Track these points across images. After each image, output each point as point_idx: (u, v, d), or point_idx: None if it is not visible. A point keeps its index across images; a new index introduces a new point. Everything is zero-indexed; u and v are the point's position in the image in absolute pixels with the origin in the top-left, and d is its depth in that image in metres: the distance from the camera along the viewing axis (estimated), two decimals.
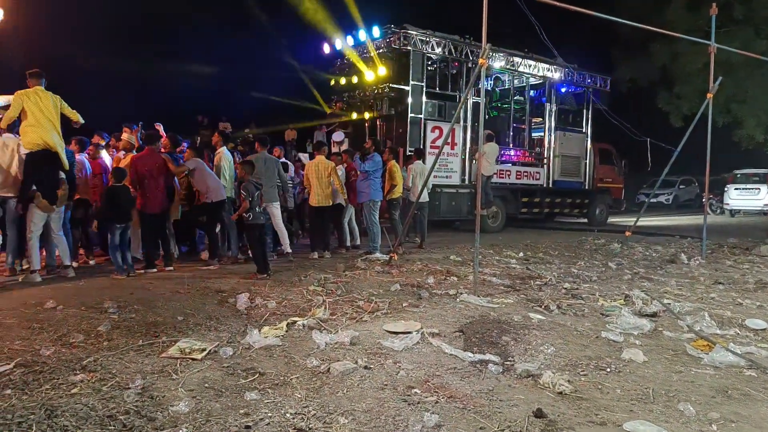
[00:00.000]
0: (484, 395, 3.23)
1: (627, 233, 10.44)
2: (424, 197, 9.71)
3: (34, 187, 6.13)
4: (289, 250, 8.07)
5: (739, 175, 21.01)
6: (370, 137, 9.20)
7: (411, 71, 11.88)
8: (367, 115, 13.10)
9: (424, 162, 10.41)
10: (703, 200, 10.88)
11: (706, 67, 9.69)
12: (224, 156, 8.04)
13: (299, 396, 3.15)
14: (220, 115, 16.98)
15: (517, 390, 3.33)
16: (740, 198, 20.64)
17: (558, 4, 6.96)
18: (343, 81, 13.52)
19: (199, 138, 12.77)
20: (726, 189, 21.03)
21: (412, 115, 11.92)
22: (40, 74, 6.20)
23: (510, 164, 13.99)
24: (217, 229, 7.82)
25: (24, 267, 6.60)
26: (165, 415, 2.85)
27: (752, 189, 20.29)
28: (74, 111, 6.43)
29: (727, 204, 21.07)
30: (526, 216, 14.77)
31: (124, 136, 7.95)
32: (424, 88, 12.09)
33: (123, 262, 6.52)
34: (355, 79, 13.23)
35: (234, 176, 7.98)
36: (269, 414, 2.91)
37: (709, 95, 9.16)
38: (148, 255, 7.08)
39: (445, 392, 3.24)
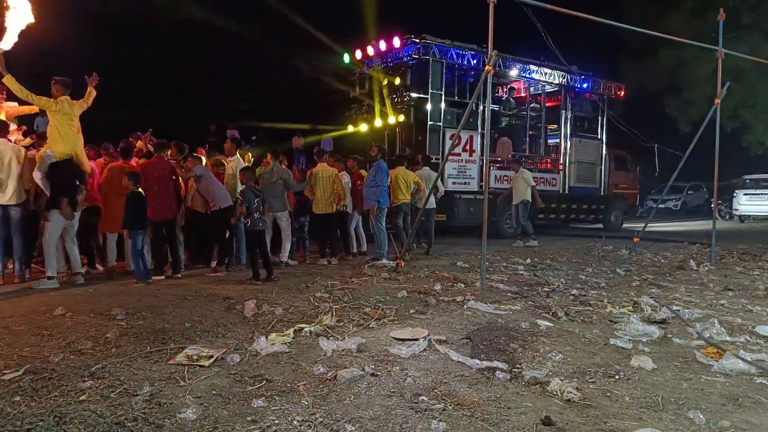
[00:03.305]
0: (491, 403, 3.21)
1: (635, 239, 10.39)
2: (431, 204, 9.72)
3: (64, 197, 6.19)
4: (285, 260, 8.14)
5: (748, 181, 20.89)
6: (375, 144, 9.21)
7: (430, 80, 12.08)
8: (386, 123, 13.32)
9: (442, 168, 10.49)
10: (712, 206, 10.81)
11: (714, 73, 9.65)
12: (240, 163, 8.10)
13: (306, 403, 3.15)
14: (227, 122, 17.08)
15: (525, 397, 3.32)
16: (750, 203, 20.51)
17: (565, 11, 6.96)
18: (363, 89, 13.75)
19: (207, 146, 12.86)
20: (735, 194, 20.91)
21: (432, 122, 12.10)
22: (66, 83, 6.28)
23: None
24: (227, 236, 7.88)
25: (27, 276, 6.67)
26: (173, 422, 2.86)
27: (762, 194, 20.15)
28: (84, 101, 6.48)
29: (737, 209, 20.93)
30: (543, 222, 14.84)
31: (139, 143, 8.06)
32: (443, 97, 12.25)
33: (143, 268, 6.59)
34: (374, 88, 13.42)
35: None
36: (276, 421, 2.91)
37: (717, 101, 9.12)
38: (156, 262, 7.14)
39: (452, 400, 3.22)
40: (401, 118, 12.72)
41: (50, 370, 3.51)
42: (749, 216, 21.01)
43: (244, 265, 7.82)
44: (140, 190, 6.63)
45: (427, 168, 10.44)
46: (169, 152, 7.53)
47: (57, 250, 6.59)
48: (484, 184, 6.64)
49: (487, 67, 6.39)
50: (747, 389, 3.54)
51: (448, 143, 12.13)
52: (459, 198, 12.36)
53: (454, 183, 12.24)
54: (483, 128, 12.75)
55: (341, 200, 8.66)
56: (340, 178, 8.70)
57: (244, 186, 7.06)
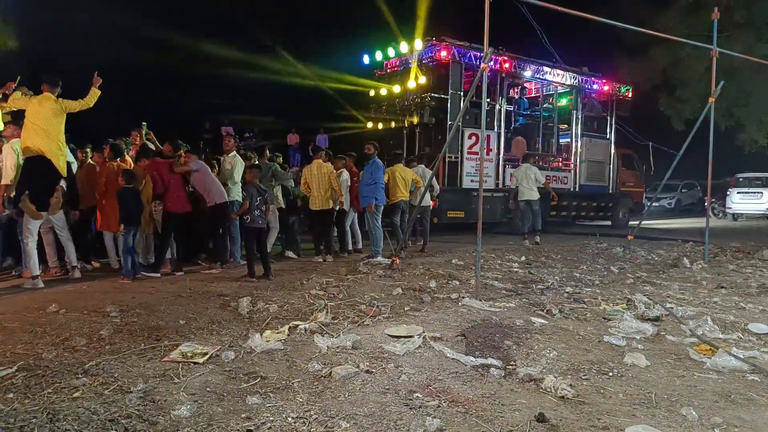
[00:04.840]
0: (486, 399, 3.22)
1: (629, 237, 10.43)
2: (426, 201, 9.74)
3: (27, 192, 6.05)
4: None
5: (741, 179, 21.00)
6: (370, 141, 9.20)
7: (450, 81, 12.47)
8: (406, 123, 13.73)
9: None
10: (706, 204, 10.86)
11: (708, 71, 9.69)
12: (238, 160, 8.10)
13: (301, 400, 3.15)
14: (222, 119, 17.06)
15: (519, 394, 3.33)
16: (743, 202, 20.64)
17: (560, 9, 6.97)
18: (383, 91, 14.09)
19: (202, 142, 12.88)
20: (728, 193, 21.02)
21: (451, 122, 12.38)
22: (53, 82, 6.18)
23: (541, 170, 14.52)
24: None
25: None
26: (167, 419, 2.85)
27: (755, 192, 20.29)
28: (80, 100, 6.33)
29: (730, 207, 21.05)
30: (555, 219, 15.24)
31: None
32: (462, 97, 12.52)
33: (132, 266, 6.57)
34: (395, 89, 13.80)
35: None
36: (271, 418, 2.91)
37: (711, 99, 9.14)
38: (156, 258, 7.16)
39: (447, 396, 3.23)
40: (421, 118, 13.14)
41: (44, 367, 3.50)
42: (742, 214, 21.13)
43: (239, 262, 7.81)
44: (131, 186, 6.61)
45: (422, 166, 10.52)
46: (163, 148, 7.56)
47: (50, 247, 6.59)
48: (479, 181, 6.64)
49: (482, 65, 6.40)
50: (739, 386, 3.56)
51: (467, 142, 12.62)
52: (476, 195, 12.49)
53: (472, 181, 12.62)
54: (499, 127, 13.48)
55: (339, 197, 8.65)
56: (335, 175, 8.67)
57: (248, 183, 7.09)
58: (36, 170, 6.09)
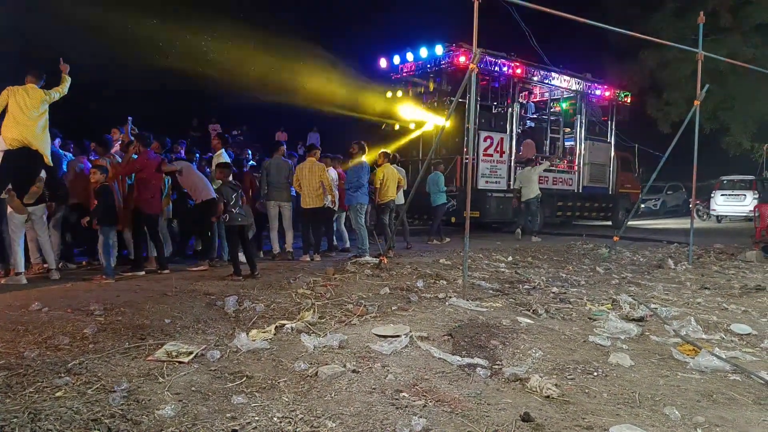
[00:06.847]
0: (472, 399, 3.23)
1: (615, 238, 10.51)
2: (400, 199, 9.88)
3: (9, 186, 6.00)
4: (290, 249, 8.68)
5: (725, 182, 21.30)
6: (355, 141, 9.17)
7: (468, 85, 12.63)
8: (422, 126, 14.04)
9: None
10: (690, 206, 10.99)
11: (694, 74, 9.76)
12: (224, 158, 8.04)
13: (287, 400, 3.14)
14: (210, 117, 16.95)
15: (504, 394, 3.34)
16: (726, 204, 20.96)
17: (548, 10, 7.00)
18: (399, 94, 14.36)
19: (189, 140, 12.81)
20: (712, 195, 21.33)
21: (468, 125, 12.44)
22: (38, 74, 6.18)
23: (547, 171, 15.02)
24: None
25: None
26: (151, 419, 2.83)
27: (738, 195, 20.60)
28: (57, 89, 6.31)
29: (714, 210, 21.36)
30: (560, 219, 15.70)
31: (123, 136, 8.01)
32: (479, 101, 12.87)
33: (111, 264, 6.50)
34: (410, 93, 14.18)
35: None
36: (256, 418, 2.89)
37: (697, 102, 9.24)
38: (136, 257, 7.07)
39: (433, 396, 3.24)
40: (446, 121, 13.31)
41: (25, 366, 3.45)
42: (726, 216, 21.42)
43: (227, 261, 7.76)
44: (107, 183, 6.54)
45: (393, 166, 10.54)
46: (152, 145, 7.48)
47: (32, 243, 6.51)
48: (468, 181, 6.69)
49: (471, 65, 6.42)
50: (721, 386, 3.61)
51: (482, 144, 13.09)
52: (491, 196, 13.15)
53: (486, 182, 13.03)
54: (512, 130, 13.74)
55: (329, 195, 8.62)
56: (326, 173, 8.63)
57: (221, 182, 7.01)
58: (21, 162, 6.04)
